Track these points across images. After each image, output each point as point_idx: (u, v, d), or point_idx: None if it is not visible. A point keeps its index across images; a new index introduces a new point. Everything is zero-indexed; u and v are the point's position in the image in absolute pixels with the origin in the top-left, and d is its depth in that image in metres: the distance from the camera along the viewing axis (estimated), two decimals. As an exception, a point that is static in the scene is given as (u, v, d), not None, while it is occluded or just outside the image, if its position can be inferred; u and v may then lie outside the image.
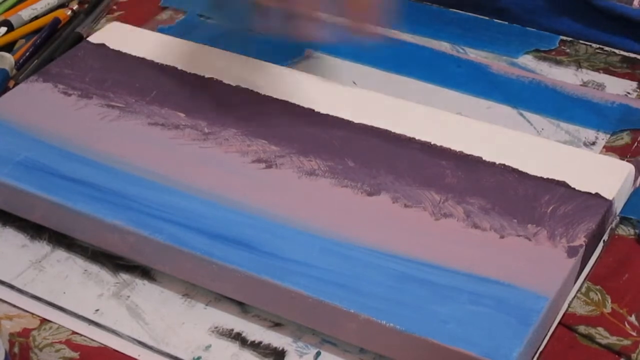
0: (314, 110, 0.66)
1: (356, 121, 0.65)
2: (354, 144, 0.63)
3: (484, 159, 0.61)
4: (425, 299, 0.52)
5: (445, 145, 0.62)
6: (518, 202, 0.58)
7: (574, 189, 0.58)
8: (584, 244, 0.55)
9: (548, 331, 0.54)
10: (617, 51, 0.75)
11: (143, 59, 0.71)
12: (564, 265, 0.54)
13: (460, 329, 0.51)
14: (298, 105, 0.66)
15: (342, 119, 0.65)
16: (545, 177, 0.59)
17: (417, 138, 0.63)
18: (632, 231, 0.60)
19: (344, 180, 0.60)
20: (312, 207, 0.58)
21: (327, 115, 0.65)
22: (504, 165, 0.61)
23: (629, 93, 0.71)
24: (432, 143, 0.63)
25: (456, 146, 0.62)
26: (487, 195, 0.59)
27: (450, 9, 0.81)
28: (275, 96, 0.67)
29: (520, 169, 0.60)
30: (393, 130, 0.64)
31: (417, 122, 0.64)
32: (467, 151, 0.62)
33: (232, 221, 0.57)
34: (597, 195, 0.58)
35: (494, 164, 0.61)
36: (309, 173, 0.61)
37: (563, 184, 0.59)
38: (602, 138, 0.67)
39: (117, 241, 0.58)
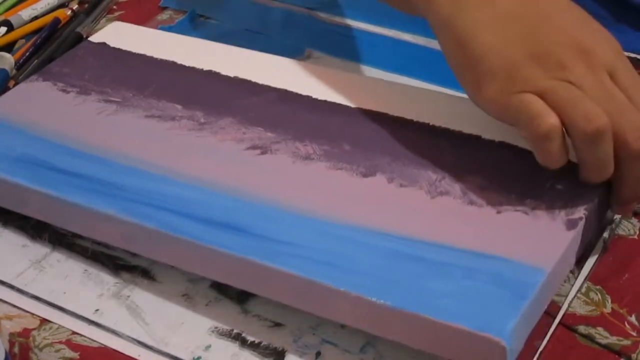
0: (311, 97, 0.66)
1: (353, 106, 0.64)
2: (351, 128, 0.62)
3: (483, 137, 0.61)
4: (419, 275, 0.51)
5: (444, 125, 0.62)
6: (517, 177, 0.57)
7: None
8: (583, 216, 0.54)
9: (551, 325, 0.54)
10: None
11: (142, 55, 0.72)
12: (563, 237, 0.53)
13: (454, 304, 0.49)
14: (296, 93, 0.66)
15: (340, 104, 0.65)
16: None
17: (415, 120, 0.63)
18: (632, 231, 0.60)
19: (340, 163, 0.60)
20: (307, 190, 0.58)
21: (325, 101, 0.65)
22: (502, 142, 0.60)
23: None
24: (430, 124, 0.62)
25: (455, 126, 0.62)
26: (486, 172, 0.58)
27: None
28: (273, 85, 0.67)
29: (519, 145, 0.59)
30: (391, 113, 0.63)
31: (415, 104, 0.64)
32: (467, 131, 0.61)
33: (227, 207, 0.57)
34: None
35: (493, 141, 0.60)
36: (305, 157, 0.60)
37: None
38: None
39: (113, 231, 0.58)
